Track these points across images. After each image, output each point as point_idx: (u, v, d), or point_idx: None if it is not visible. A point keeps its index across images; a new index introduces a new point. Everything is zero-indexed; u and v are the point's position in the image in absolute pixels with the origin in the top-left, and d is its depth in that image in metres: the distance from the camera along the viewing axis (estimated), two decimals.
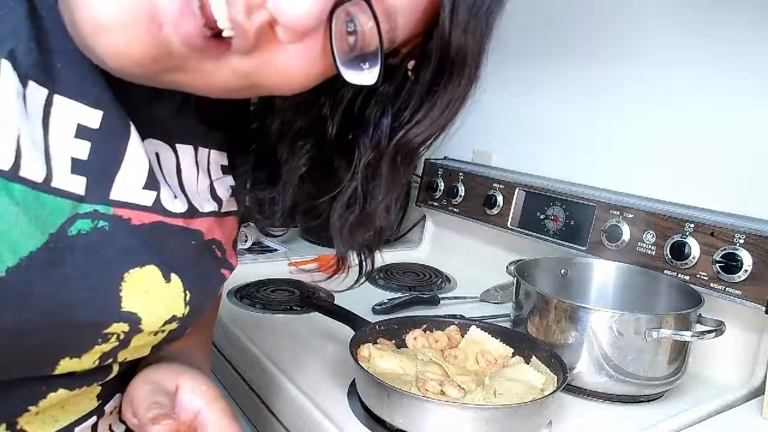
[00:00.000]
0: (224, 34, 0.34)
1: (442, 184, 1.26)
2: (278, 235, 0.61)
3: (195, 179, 0.50)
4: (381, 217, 0.51)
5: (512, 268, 0.87)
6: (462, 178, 1.22)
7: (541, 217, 1.07)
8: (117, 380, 0.50)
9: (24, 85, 0.35)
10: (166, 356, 0.53)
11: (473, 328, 0.78)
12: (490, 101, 1.23)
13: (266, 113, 0.53)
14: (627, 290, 0.91)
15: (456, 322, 0.80)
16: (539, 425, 0.65)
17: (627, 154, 1.03)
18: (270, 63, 0.37)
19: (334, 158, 0.51)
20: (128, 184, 0.42)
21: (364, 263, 0.56)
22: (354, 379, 0.71)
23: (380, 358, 0.70)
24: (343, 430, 0.65)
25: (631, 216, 0.93)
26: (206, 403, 0.48)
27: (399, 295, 1.04)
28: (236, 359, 0.86)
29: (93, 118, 0.39)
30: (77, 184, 0.39)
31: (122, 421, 0.52)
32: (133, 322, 0.42)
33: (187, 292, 0.46)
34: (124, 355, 0.45)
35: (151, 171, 0.43)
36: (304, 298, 1.01)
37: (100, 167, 0.40)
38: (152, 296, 0.43)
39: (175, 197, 0.46)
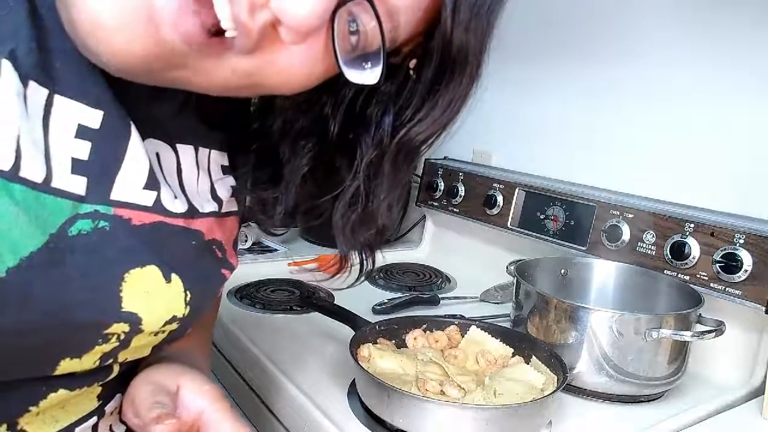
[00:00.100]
0: (227, 34, 0.34)
1: (442, 184, 1.26)
2: (280, 234, 0.61)
3: (195, 179, 0.50)
4: (383, 216, 0.51)
5: (512, 268, 0.87)
6: (462, 178, 1.22)
7: (541, 217, 1.07)
8: (117, 380, 0.49)
9: (24, 85, 0.35)
10: (167, 356, 0.53)
11: (473, 328, 0.78)
12: (490, 101, 1.23)
13: (267, 113, 0.53)
14: (627, 290, 0.91)
15: (456, 322, 0.80)
16: (539, 425, 0.65)
17: (627, 154, 1.03)
18: (272, 63, 0.37)
19: (336, 157, 0.51)
20: (129, 185, 0.42)
21: (365, 262, 0.56)
22: (354, 379, 0.71)
23: (380, 358, 0.70)
24: (343, 430, 0.65)
25: (631, 216, 0.93)
26: (209, 403, 0.48)
27: (399, 295, 1.04)
28: (236, 359, 0.86)
29: (93, 118, 0.39)
30: (78, 185, 0.39)
31: (123, 422, 0.52)
32: (134, 322, 0.42)
33: (188, 292, 0.46)
34: (124, 356, 0.45)
35: (151, 171, 0.43)
36: (304, 298, 1.01)
37: (100, 167, 0.40)
38: (153, 296, 0.43)
39: (176, 197, 0.46)
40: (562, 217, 1.04)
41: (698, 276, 0.83)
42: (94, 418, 0.49)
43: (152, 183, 0.43)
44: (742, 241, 0.80)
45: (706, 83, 0.92)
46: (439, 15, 0.41)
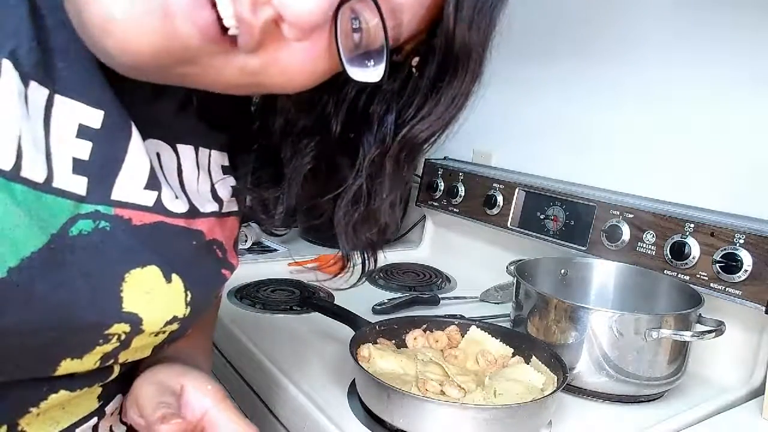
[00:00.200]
0: (230, 31, 0.34)
1: (442, 184, 1.26)
2: (281, 234, 0.61)
3: (196, 179, 0.50)
4: (385, 215, 0.51)
5: (512, 268, 0.87)
6: (462, 178, 1.22)
7: (541, 217, 1.07)
8: (118, 381, 0.49)
9: (25, 84, 0.35)
10: (168, 357, 0.53)
11: (473, 328, 0.78)
12: (491, 101, 1.23)
13: (269, 112, 0.52)
14: (627, 290, 0.91)
15: (456, 322, 0.80)
16: (539, 425, 0.65)
17: (627, 154, 1.03)
18: (276, 61, 0.37)
19: (338, 156, 0.51)
20: (129, 185, 0.42)
21: (367, 261, 0.56)
22: (354, 379, 0.71)
23: (380, 358, 0.70)
24: (343, 430, 0.65)
25: (631, 216, 0.93)
26: (214, 402, 0.48)
27: (399, 295, 1.04)
28: (236, 359, 0.86)
29: (94, 118, 0.39)
30: (78, 185, 0.39)
31: (123, 422, 0.52)
32: (134, 322, 0.42)
33: (188, 292, 0.46)
34: (125, 356, 0.45)
35: (152, 171, 0.43)
36: (304, 298, 1.01)
37: (101, 167, 0.40)
38: (153, 297, 0.43)
39: (176, 197, 0.46)
40: (562, 217, 1.04)
41: (698, 276, 0.83)
42: (95, 419, 0.49)
43: (153, 183, 0.43)
44: (742, 241, 0.80)
45: (706, 83, 0.92)
46: (441, 12, 0.41)
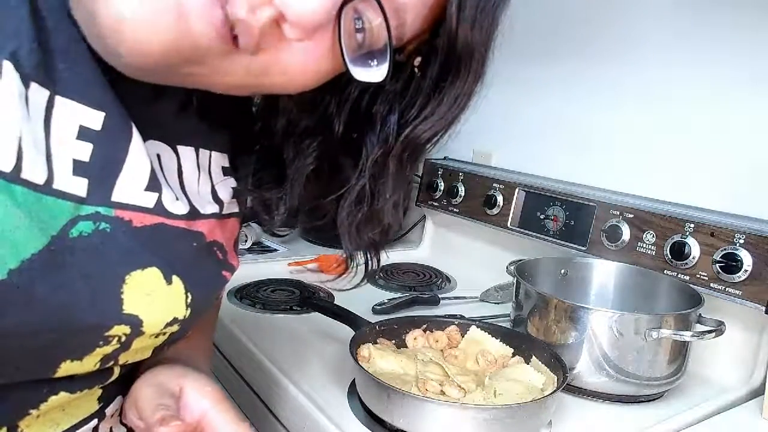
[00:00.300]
0: (234, 31, 0.34)
1: (442, 184, 1.26)
2: (283, 235, 0.61)
3: (196, 181, 0.50)
4: (389, 215, 0.51)
5: (512, 268, 0.87)
6: (462, 178, 1.22)
7: (541, 217, 1.07)
8: (118, 383, 0.49)
9: (26, 86, 0.35)
10: (168, 358, 0.53)
11: (473, 328, 0.78)
12: (491, 101, 1.23)
13: (271, 113, 0.52)
14: (627, 290, 0.91)
15: (456, 322, 0.80)
16: (539, 425, 0.65)
17: (627, 154, 1.03)
18: (278, 62, 0.37)
19: (340, 156, 0.51)
20: (130, 186, 0.42)
21: (370, 261, 0.56)
22: (354, 379, 0.71)
23: (380, 358, 0.70)
24: (343, 430, 0.65)
25: (631, 216, 0.93)
26: (213, 404, 0.48)
27: (399, 295, 1.04)
28: (236, 359, 0.86)
29: (95, 119, 0.39)
30: (79, 186, 0.39)
31: (123, 424, 0.52)
32: (135, 324, 0.42)
33: (189, 293, 0.45)
34: (125, 358, 0.45)
35: (152, 173, 0.43)
36: (304, 298, 1.01)
37: (101, 169, 0.40)
38: (154, 298, 0.43)
39: (177, 199, 0.45)
40: (562, 217, 1.04)
41: (698, 276, 0.83)
42: (95, 421, 0.49)
43: (153, 184, 0.43)
44: (742, 241, 0.80)
45: (706, 83, 0.92)
46: (444, 12, 0.41)
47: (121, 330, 0.42)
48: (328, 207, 0.52)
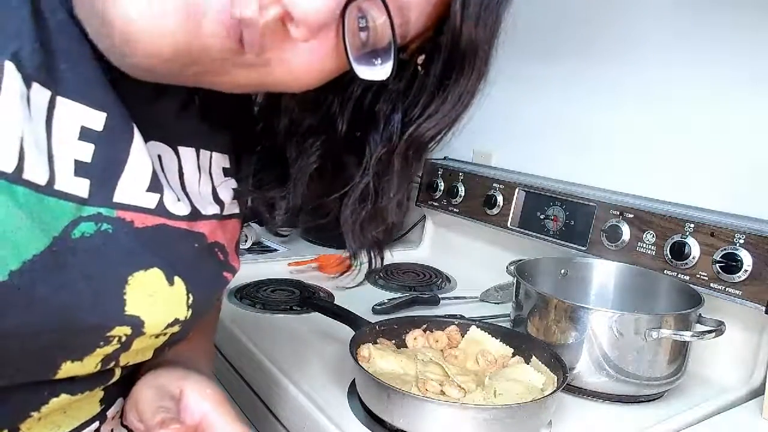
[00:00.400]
0: (240, 31, 0.34)
1: (442, 184, 1.26)
2: (286, 235, 0.61)
3: (197, 182, 0.50)
4: (393, 213, 0.51)
5: (512, 268, 0.87)
6: (462, 178, 1.22)
7: (541, 217, 1.07)
8: (119, 385, 0.49)
9: (28, 86, 0.35)
10: (169, 360, 0.53)
11: (473, 328, 0.78)
12: (491, 101, 1.23)
13: (273, 112, 0.52)
14: (627, 290, 0.91)
15: (456, 322, 0.80)
16: (539, 425, 0.65)
17: (627, 154, 1.03)
18: (282, 61, 0.37)
19: (344, 155, 0.51)
20: (131, 187, 0.42)
21: (374, 259, 0.56)
22: (354, 379, 0.71)
23: (380, 358, 0.70)
24: (343, 430, 0.65)
25: (631, 216, 0.93)
26: (213, 407, 0.48)
27: (399, 295, 1.04)
28: (236, 359, 0.86)
29: (97, 120, 0.39)
30: (81, 187, 0.39)
31: (124, 426, 0.52)
32: (136, 325, 0.42)
33: (190, 295, 0.45)
34: (126, 359, 0.45)
35: (154, 173, 0.43)
36: (304, 298, 1.01)
37: (103, 170, 0.40)
38: (156, 299, 0.43)
39: (178, 200, 0.45)
40: (562, 217, 1.04)
41: (698, 276, 0.83)
42: (96, 423, 0.49)
43: (155, 185, 0.43)
44: (742, 241, 0.80)
45: (706, 83, 0.92)
46: (448, 9, 0.41)
47: (122, 331, 0.42)
48: (331, 206, 0.52)
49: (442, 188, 1.26)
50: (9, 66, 0.34)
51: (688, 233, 0.85)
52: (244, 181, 0.54)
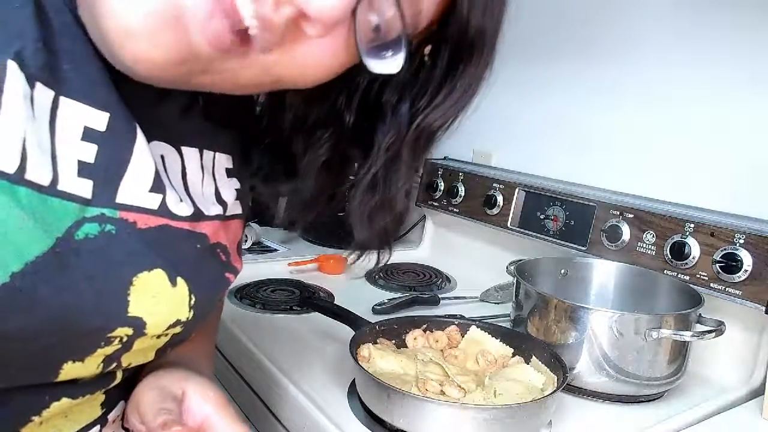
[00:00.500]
0: (250, 32, 0.34)
1: (442, 184, 1.26)
2: (296, 230, 0.61)
3: (200, 182, 0.49)
4: (401, 202, 0.51)
5: (512, 268, 0.87)
6: (462, 178, 1.22)
7: (541, 217, 1.07)
8: (121, 388, 0.49)
9: (31, 86, 0.35)
10: (170, 362, 0.53)
11: (473, 328, 0.78)
12: (491, 101, 1.23)
13: (277, 109, 0.52)
14: (627, 290, 0.91)
15: (456, 322, 0.80)
16: (539, 425, 0.65)
17: (627, 154, 1.03)
18: (294, 58, 0.37)
19: (352, 146, 0.50)
20: (134, 187, 0.41)
21: (382, 252, 0.56)
22: (354, 379, 0.72)
23: (380, 358, 0.70)
24: (343, 430, 0.65)
25: (631, 216, 0.93)
26: (215, 409, 0.48)
27: (399, 295, 1.04)
28: (236, 359, 0.86)
29: (100, 120, 0.39)
30: (84, 188, 0.38)
31: (125, 429, 0.51)
32: (138, 326, 0.42)
33: (192, 296, 0.45)
34: (128, 360, 0.45)
35: (156, 174, 0.43)
36: (304, 298, 1.01)
37: (106, 170, 0.40)
38: (159, 300, 0.43)
39: (181, 200, 0.45)
40: (562, 217, 1.04)
41: (698, 276, 0.83)
42: (97, 427, 0.48)
43: (158, 186, 0.43)
44: (742, 241, 0.80)
45: (706, 83, 0.92)
46: (454, 0, 0.41)
47: (123, 331, 0.41)
48: (342, 196, 0.52)
49: (442, 188, 1.26)
50: (12, 65, 0.34)
51: (688, 233, 0.85)
52: (255, 176, 0.54)
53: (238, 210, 0.54)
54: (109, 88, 0.39)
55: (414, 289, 1.12)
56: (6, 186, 0.33)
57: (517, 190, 1.11)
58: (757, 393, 0.79)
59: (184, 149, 0.48)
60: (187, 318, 0.45)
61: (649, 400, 0.77)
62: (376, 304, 0.97)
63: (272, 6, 0.33)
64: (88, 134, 0.38)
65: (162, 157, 0.46)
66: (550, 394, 0.64)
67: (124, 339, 0.42)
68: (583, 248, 0.98)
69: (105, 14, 0.33)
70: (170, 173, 0.46)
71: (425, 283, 1.16)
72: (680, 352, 0.75)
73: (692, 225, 0.85)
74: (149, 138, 0.43)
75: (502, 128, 1.25)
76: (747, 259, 0.78)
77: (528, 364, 0.73)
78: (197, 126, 0.49)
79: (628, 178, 1.02)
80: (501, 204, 1.13)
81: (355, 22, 0.36)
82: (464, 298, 1.06)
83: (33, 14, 0.35)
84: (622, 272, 0.92)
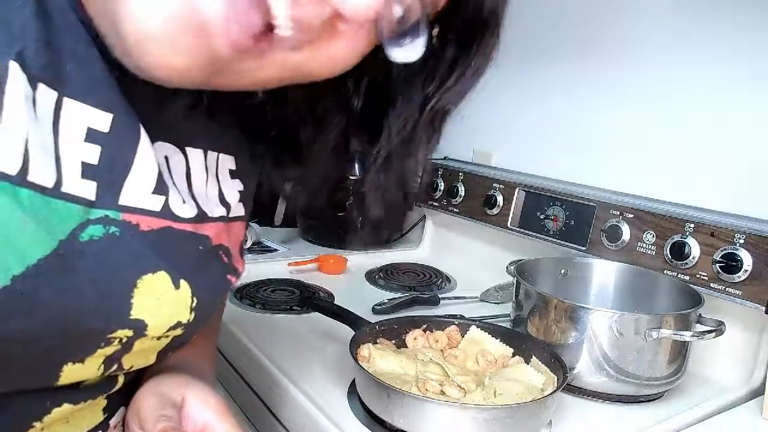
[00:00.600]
0: (280, 32, 0.34)
1: (442, 184, 1.26)
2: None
3: (204, 183, 0.49)
4: (413, 177, 0.51)
5: (512, 268, 0.87)
6: (462, 178, 1.22)
7: (541, 217, 1.07)
8: (122, 393, 0.49)
9: (34, 87, 0.35)
10: (171, 366, 0.52)
11: (473, 328, 0.78)
12: (491, 101, 1.23)
13: (283, 100, 0.51)
14: (627, 290, 0.91)
15: (456, 322, 0.80)
16: (539, 425, 0.65)
17: (627, 154, 1.03)
18: (322, 52, 0.37)
19: (362, 130, 0.50)
20: (138, 189, 0.41)
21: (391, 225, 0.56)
22: (354, 379, 0.72)
23: (380, 358, 0.70)
24: (343, 430, 0.65)
25: (631, 216, 0.93)
26: (215, 416, 0.47)
27: (399, 295, 1.04)
28: (236, 359, 0.86)
29: (103, 121, 0.39)
30: (88, 189, 0.38)
31: None
32: (139, 328, 0.42)
33: (194, 298, 0.45)
34: (129, 361, 0.45)
35: (159, 175, 0.42)
36: (304, 298, 1.01)
37: (110, 171, 0.39)
38: (161, 303, 0.42)
39: (184, 202, 0.45)
40: (562, 217, 1.04)
41: (698, 276, 0.83)
42: None
43: (160, 187, 0.43)
44: (742, 241, 0.80)
45: (706, 83, 0.92)
46: None
47: (123, 333, 0.41)
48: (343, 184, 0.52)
49: (442, 188, 1.26)
50: (13, 66, 0.33)
51: (688, 233, 0.85)
52: (261, 163, 0.54)
53: (241, 212, 0.53)
54: (112, 88, 0.39)
55: (414, 289, 1.12)
56: (8, 188, 0.33)
57: (517, 190, 1.11)
58: (757, 393, 0.79)
59: (188, 150, 0.48)
60: (188, 320, 0.45)
61: (649, 400, 0.77)
62: (376, 304, 0.97)
63: (309, 8, 0.33)
64: (92, 135, 0.38)
65: (166, 157, 0.46)
66: (550, 394, 0.64)
67: (124, 340, 0.42)
68: (583, 248, 0.98)
69: (124, 18, 0.32)
70: (174, 174, 0.46)
71: (425, 283, 1.16)
72: (680, 352, 0.75)
73: (692, 225, 0.85)
74: (154, 138, 0.42)
75: (502, 128, 1.25)
76: (747, 259, 0.78)
77: (528, 364, 0.73)
78: (201, 126, 0.49)
79: (628, 178, 1.02)
80: (501, 204, 1.13)
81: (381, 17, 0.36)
82: (464, 298, 1.06)
83: (35, 14, 0.35)
84: (622, 272, 0.92)
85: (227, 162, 0.52)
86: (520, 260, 0.91)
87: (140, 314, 0.41)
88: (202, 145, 0.49)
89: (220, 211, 0.50)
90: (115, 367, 0.44)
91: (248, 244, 1.28)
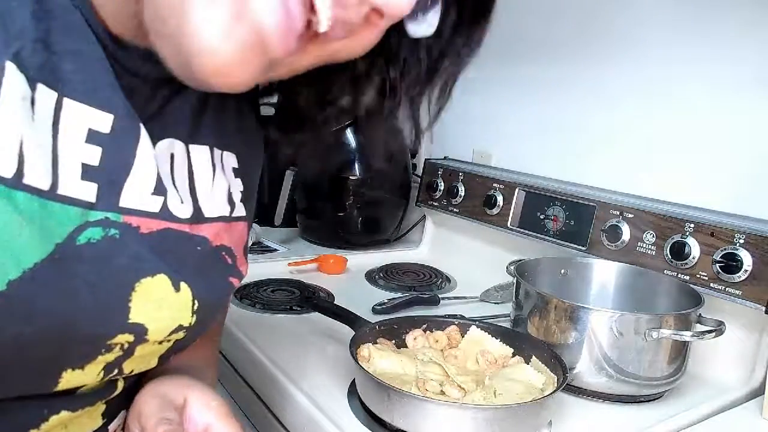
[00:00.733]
0: (320, 29, 0.34)
1: (442, 184, 1.26)
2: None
3: (210, 181, 0.49)
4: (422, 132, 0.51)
5: (512, 268, 0.87)
6: (462, 178, 1.22)
7: (541, 217, 1.07)
8: (121, 397, 0.48)
9: (32, 88, 0.34)
10: (173, 368, 0.52)
11: (473, 328, 0.78)
12: (491, 101, 1.23)
13: (290, 86, 0.51)
14: (627, 290, 0.91)
15: (456, 322, 0.80)
16: (539, 425, 0.65)
17: (627, 154, 1.03)
18: (356, 41, 0.38)
19: (371, 97, 0.50)
20: (137, 191, 0.41)
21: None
22: (354, 379, 0.72)
23: (380, 358, 0.70)
24: (343, 430, 0.65)
25: (631, 216, 0.93)
26: (216, 418, 0.47)
27: (399, 295, 1.04)
28: (236, 359, 0.86)
29: (104, 122, 0.38)
30: (88, 191, 0.38)
31: None
32: (139, 332, 0.41)
33: (196, 301, 0.45)
34: (130, 366, 0.44)
35: (158, 176, 0.42)
36: (304, 298, 1.01)
37: (110, 173, 0.39)
38: (161, 306, 0.42)
39: (182, 202, 0.45)
40: (562, 217, 1.04)
41: (698, 276, 0.83)
42: None
43: (159, 188, 0.42)
44: (742, 241, 0.80)
45: (706, 83, 0.92)
46: None
47: (124, 338, 0.41)
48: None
49: (442, 188, 1.26)
50: (10, 67, 0.33)
51: (688, 233, 0.85)
52: (271, 127, 0.54)
53: (243, 212, 0.53)
54: (114, 89, 0.38)
55: (414, 289, 1.12)
56: (3, 191, 0.33)
57: (517, 190, 1.11)
58: (757, 393, 0.79)
59: (194, 147, 0.48)
60: (190, 323, 0.45)
61: (649, 400, 0.77)
62: (376, 304, 0.97)
63: (351, 9, 0.34)
64: (93, 136, 0.38)
65: (171, 155, 0.45)
66: (550, 394, 0.64)
67: (125, 346, 0.41)
68: (583, 248, 0.98)
69: (188, 33, 0.32)
70: (177, 172, 0.46)
71: (425, 283, 1.16)
72: (680, 352, 0.75)
73: (692, 225, 0.85)
74: (159, 136, 0.42)
75: (502, 128, 1.25)
76: (747, 259, 0.78)
77: (528, 364, 0.73)
78: (208, 124, 0.49)
79: (628, 178, 1.02)
80: (501, 204, 1.13)
81: None
82: (464, 298, 1.06)
83: (31, 14, 0.35)
84: (622, 272, 0.92)
85: (231, 160, 0.52)
86: (520, 260, 0.91)
87: (139, 318, 0.41)
88: (208, 142, 0.49)
89: (223, 210, 0.50)
90: (115, 372, 0.44)
91: (248, 244, 1.28)
